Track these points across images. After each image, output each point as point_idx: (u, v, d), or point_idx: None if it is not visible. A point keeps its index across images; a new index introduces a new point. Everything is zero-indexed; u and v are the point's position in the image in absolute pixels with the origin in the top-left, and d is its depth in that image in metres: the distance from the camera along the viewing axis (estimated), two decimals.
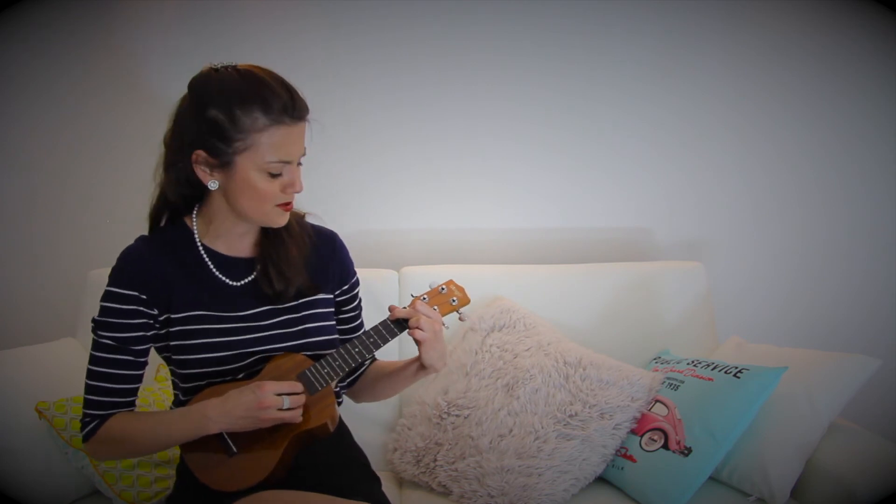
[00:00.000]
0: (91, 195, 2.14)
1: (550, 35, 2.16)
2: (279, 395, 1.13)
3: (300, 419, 1.16)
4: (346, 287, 1.37)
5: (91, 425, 1.18)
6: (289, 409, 1.13)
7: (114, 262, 1.21)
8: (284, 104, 1.13)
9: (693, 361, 1.74)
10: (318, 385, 1.19)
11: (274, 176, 1.15)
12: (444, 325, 1.25)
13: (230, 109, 1.12)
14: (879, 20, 2.20)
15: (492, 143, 2.18)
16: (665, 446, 1.58)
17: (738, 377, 1.59)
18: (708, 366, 1.69)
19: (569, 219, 2.23)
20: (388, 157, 2.16)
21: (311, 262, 1.29)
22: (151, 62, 2.10)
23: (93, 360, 1.19)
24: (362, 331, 1.39)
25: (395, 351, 1.84)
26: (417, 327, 1.21)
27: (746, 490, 1.57)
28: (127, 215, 2.10)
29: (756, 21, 2.19)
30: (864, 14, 2.19)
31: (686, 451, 1.54)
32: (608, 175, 2.22)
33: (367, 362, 1.43)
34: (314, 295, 1.28)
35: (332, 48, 2.11)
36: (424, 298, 1.27)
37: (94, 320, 1.19)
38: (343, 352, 1.21)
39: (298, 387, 1.16)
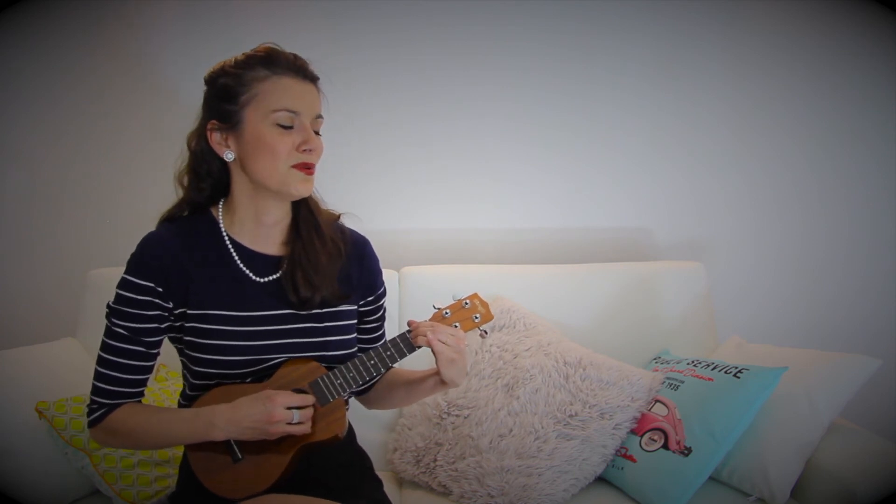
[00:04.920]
0: (91, 195, 2.14)
1: (551, 35, 2.16)
2: (290, 408, 1.11)
3: (309, 431, 1.14)
4: (371, 298, 1.33)
5: (98, 413, 1.17)
6: (299, 423, 1.12)
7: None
8: (288, 62, 1.17)
9: (693, 361, 1.74)
10: (329, 396, 1.17)
11: (285, 128, 1.15)
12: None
13: (236, 72, 1.16)
14: (879, 20, 2.20)
15: (492, 143, 2.18)
16: (665, 446, 1.58)
17: (738, 377, 1.59)
18: (708, 366, 1.69)
19: (569, 219, 2.23)
20: (389, 157, 2.17)
21: (340, 270, 1.26)
22: (152, 64, 2.10)
23: (104, 346, 1.17)
24: (380, 343, 1.37)
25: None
26: (440, 341, 1.16)
27: (746, 490, 1.57)
28: (127, 215, 2.12)
29: (756, 21, 2.19)
30: (864, 14, 2.20)
31: (686, 451, 1.54)
32: (608, 175, 2.22)
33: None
34: (340, 305, 1.25)
35: (332, 48, 2.11)
36: (447, 313, 1.22)
37: (108, 306, 1.17)
38: (358, 363, 1.18)
39: (310, 400, 1.15)
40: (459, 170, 2.19)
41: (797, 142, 2.25)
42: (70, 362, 1.73)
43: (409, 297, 1.89)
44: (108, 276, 1.81)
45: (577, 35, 2.16)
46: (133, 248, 1.18)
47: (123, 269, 1.18)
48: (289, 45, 1.23)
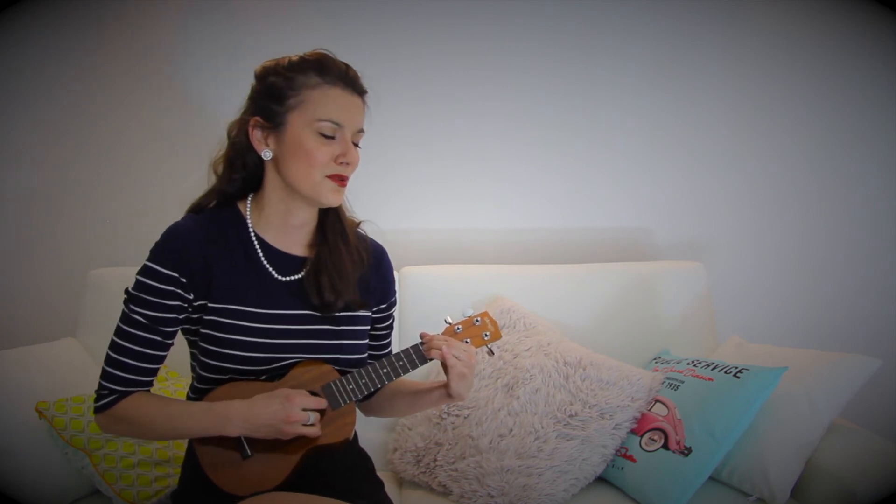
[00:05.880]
0: (91, 195, 2.14)
1: (551, 35, 2.16)
2: (306, 409, 1.12)
3: (321, 434, 1.15)
4: (384, 305, 1.35)
5: (107, 399, 1.16)
6: (312, 425, 1.13)
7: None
8: (340, 72, 1.18)
9: (693, 361, 1.74)
10: (341, 401, 1.18)
11: (326, 138, 1.16)
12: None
13: (288, 73, 1.17)
14: (879, 20, 2.20)
15: (492, 143, 2.18)
16: (665, 446, 1.58)
17: (738, 377, 1.59)
18: (708, 366, 1.69)
19: (569, 219, 2.23)
20: (389, 158, 2.17)
21: (360, 277, 1.28)
22: (152, 64, 2.10)
23: (119, 332, 1.16)
24: (388, 351, 1.39)
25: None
26: (454, 356, 1.18)
27: (746, 490, 1.57)
28: (127, 215, 2.12)
29: (756, 21, 2.19)
30: (864, 14, 2.20)
31: (686, 451, 1.54)
32: (608, 175, 2.22)
33: None
34: (359, 310, 1.27)
35: (332, 48, 2.10)
36: (458, 328, 1.25)
37: (127, 292, 1.17)
38: (371, 370, 1.20)
39: (324, 403, 1.16)
40: (459, 170, 2.19)
41: (797, 142, 2.25)
42: (70, 362, 1.73)
43: (409, 297, 1.89)
44: (108, 276, 1.81)
45: (577, 35, 2.16)
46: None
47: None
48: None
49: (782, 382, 1.56)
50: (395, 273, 1.90)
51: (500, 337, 1.27)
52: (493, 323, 1.26)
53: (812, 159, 2.25)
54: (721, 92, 2.21)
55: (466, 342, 1.23)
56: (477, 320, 1.25)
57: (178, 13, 2.09)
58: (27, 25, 2.08)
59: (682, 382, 1.67)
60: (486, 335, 1.25)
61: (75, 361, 1.74)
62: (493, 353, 1.28)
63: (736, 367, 1.62)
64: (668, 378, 1.71)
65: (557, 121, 2.19)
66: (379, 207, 2.16)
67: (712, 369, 1.66)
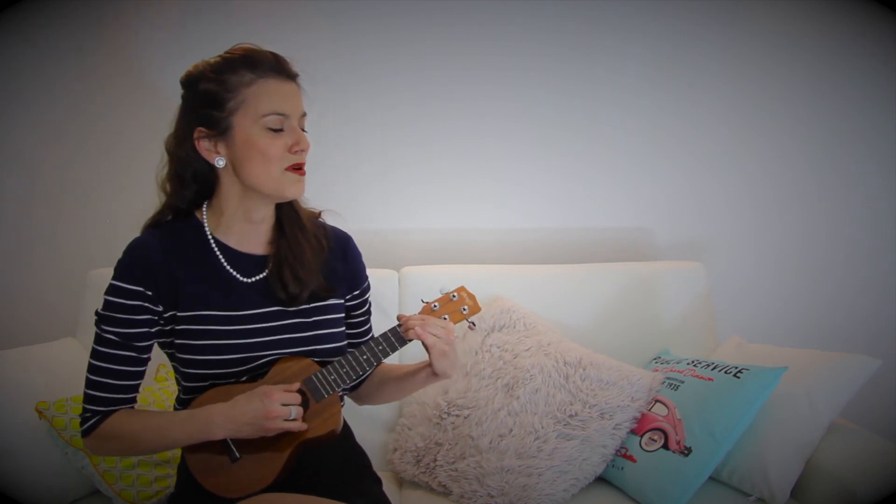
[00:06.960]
0: (91, 195, 2.14)
1: (551, 35, 2.16)
2: (286, 405, 1.12)
3: (305, 427, 1.15)
4: (356, 292, 1.35)
5: (91, 421, 1.17)
6: (295, 419, 1.13)
7: (114, 262, 1.20)
8: (270, 63, 1.16)
9: (693, 361, 1.74)
10: (324, 392, 1.18)
11: (275, 132, 1.15)
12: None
13: (218, 76, 1.15)
14: (879, 20, 2.20)
15: (492, 143, 2.18)
16: (665, 446, 1.58)
17: (738, 377, 1.59)
18: (708, 366, 1.69)
19: (569, 219, 2.23)
20: (389, 157, 2.17)
21: (324, 265, 1.28)
22: (152, 63, 2.10)
23: (95, 354, 1.17)
24: (370, 337, 1.39)
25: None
26: (431, 334, 1.18)
27: (746, 490, 1.57)
28: (127, 215, 2.10)
29: (756, 21, 2.19)
30: (864, 14, 2.20)
31: (686, 451, 1.54)
32: (608, 175, 2.22)
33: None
34: (327, 299, 1.26)
35: (332, 48, 2.11)
36: (435, 306, 1.24)
37: (97, 313, 1.18)
38: (351, 358, 1.20)
39: (305, 396, 1.16)
40: (459, 170, 2.19)
41: (797, 142, 2.25)
42: (70, 362, 1.72)
43: (409, 297, 1.89)
44: (108, 276, 1.76)
45: (577, 35, 2.16)
46: None
47: None
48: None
49: (782, 382, 1.56)
50: (394, 272, 1.92)
51: (480, 310, 1.26)
52: (471, 297, 1.25)
53: (812, 159, 2.25)
54: (721, 92, 2.21)
55: (445, 319, 1.22)
56: (454, 296, 1.24)
57: (177, 13, 2.09)
58: (27, 25, 2.08)
59: (682, 382, 1.67)
60: (465, 309, 1.24)
61: (75, 361, 1.73)
62: (475, 326, 1.27)
63: (736, 367, 1.62)
64: (668, 378, 1.71)
65: (557, 121, 2.19)
66: (379, 207, 2.16)
67: (712, 369, 1.66)
